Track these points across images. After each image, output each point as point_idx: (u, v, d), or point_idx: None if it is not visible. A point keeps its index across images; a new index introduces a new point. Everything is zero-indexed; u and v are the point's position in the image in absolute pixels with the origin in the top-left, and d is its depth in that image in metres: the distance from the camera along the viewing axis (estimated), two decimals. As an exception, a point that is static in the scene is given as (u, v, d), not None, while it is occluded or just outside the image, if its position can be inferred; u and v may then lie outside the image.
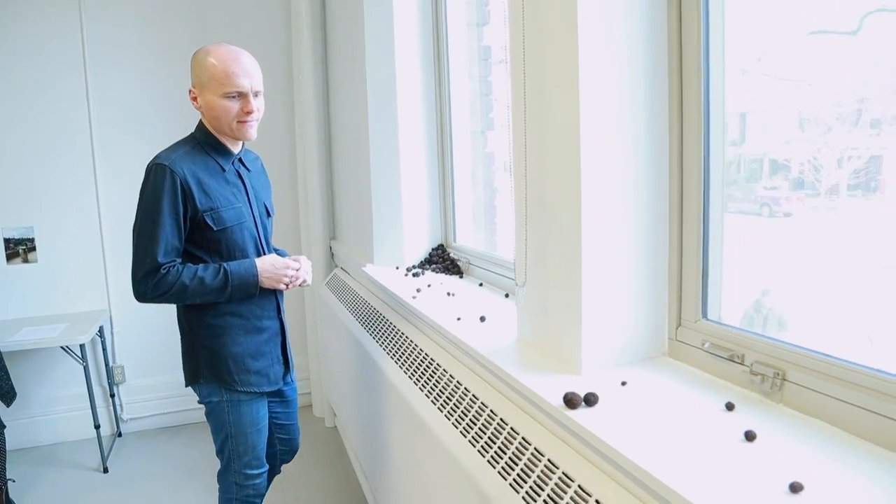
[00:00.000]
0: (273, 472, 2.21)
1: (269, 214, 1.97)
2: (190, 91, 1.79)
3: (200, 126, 1.83)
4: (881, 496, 0.82)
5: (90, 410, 3.27)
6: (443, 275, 2.46)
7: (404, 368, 1.96)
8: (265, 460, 2.00)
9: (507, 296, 2.03)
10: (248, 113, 1.75)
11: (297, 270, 1.88)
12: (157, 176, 1.70)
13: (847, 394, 0.99)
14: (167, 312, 3.61)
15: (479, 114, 2.72)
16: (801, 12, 1.36)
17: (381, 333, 2.29)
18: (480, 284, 2.25)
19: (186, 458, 3.41)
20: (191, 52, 3.42)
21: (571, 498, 1.09)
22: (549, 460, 1.19)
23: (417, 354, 1.94)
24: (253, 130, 1.81)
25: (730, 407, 1.10)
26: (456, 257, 2.54)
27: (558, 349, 1.37)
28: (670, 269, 1.35)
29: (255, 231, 1.87)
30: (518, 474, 1.25)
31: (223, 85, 1.71)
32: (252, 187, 1.90)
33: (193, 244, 1.78)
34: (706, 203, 1.29)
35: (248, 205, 1.86)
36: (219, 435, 1.93)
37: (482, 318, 1.77)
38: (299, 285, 1.92)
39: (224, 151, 1.84)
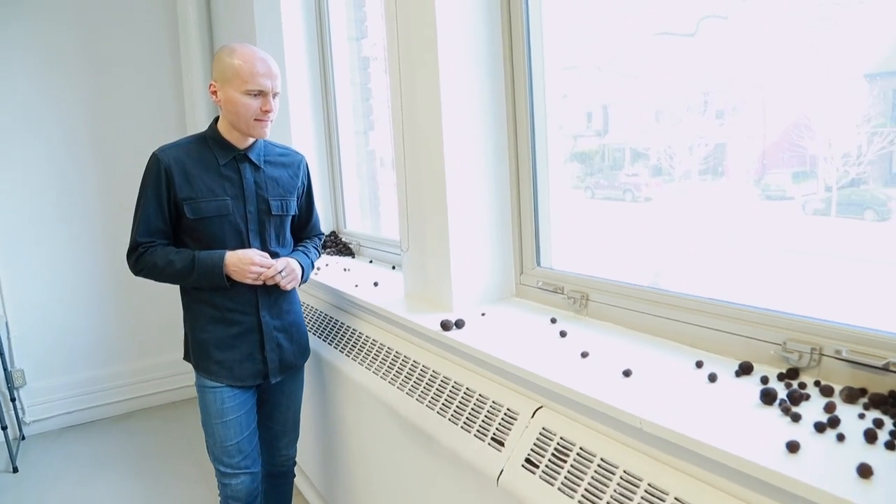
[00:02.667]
0: (273, 487, 2.18)
1: (270, 213, 1.91)
2: (211, 85, 1.81)
3: (213, 123, 1.90)
4: (640, 357, 1.34)
5: (-6, 414, 3.36)
6: (337, 256, 2.86)
7: (316, 332, 2.35)
8: (242, 464, 1.92)
9: (393, 268, 2.47)
10: (267, 112, 1.80)
11: (268, 269, 1.82)
12: (148, 163, 1.82)
13: (627, 303, 1.52)
14: (64, 315, 3.79)
15: (362, 116, 3.13)
16: (645, 15, 1.54)
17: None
18: (370, 261, 2.68)
19: (95, 452, 3.56)
20: (77, 58, 3.65)
21: (450, 392, 1.56)
22: (433, 371, 1.65)
23: (326, 318, 2.34)
24: (267, 129, 1.85)
25: (553, 321, 1.61)
26: (347, 241, 2.95)
27: (435, 296, 1.84)
28: (513, 234, 1.85)
29: (240, 225, 1.86)
30: (412, 386, 1.70)
31: (246, 83, 1.75)
32: (253, 183, 1.89)
33: (181, 230, 1.85)
34: (535, 185, 1.80)
35: (239, 199, 1.86)
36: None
37: (375, 284, 2.20)
38: (274, 284, 1.86)
39: (226, 147, 1.86)
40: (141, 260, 1.82)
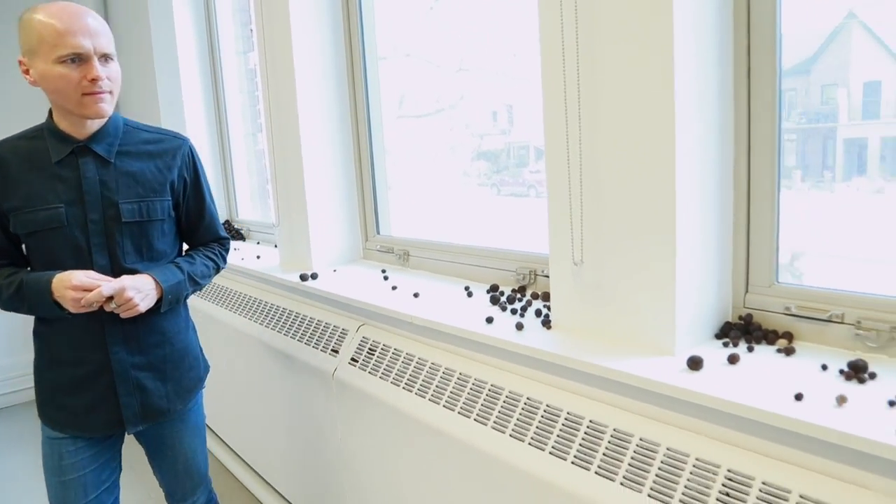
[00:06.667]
0: None
1: (120, 220, 1.50)
2: (20, 63, 1.42)
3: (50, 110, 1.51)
4: (431, 287, 1.93)
5: None
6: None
7: (215, 301, 2.84)
8: None
9: (275, 246, 2.99)
10: (94, 80, 1.38)
11: (91, 293, 1.39)
12: None
13: (434, 254, 2.12)
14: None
15: (250, 120, 3.62)
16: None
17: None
18: (258, 243, 3.19)
19: (4, 434, 3.86)
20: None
21: (306, 324, 2.12)
22: (295, 312, 2.21)
23: (221, 290, 2.84)
24: (105, 105, 1.43)
25: (384, 271, 2.19)
26: (239, 227, 3.44)
27: (300, 260, 2.39)
28: (359, 210, 2.42)
29: (79, 239, 1.48)
30: (280, 325, 2.24)
31: (56, 46, 1.35)
32: (98, 183, 1.48)
33: (26, 247, 1.53)
34: (373, 173, 2.38)
35: (76, 205, 1.47)
36: None
37: (258, 257, 2.73)
38: (109, 308, 1.44)
39: (62, 139, 1.47)
40: None
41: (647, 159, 1.22)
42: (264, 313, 2.39)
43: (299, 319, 2.18)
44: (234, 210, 3.57)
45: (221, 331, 2.66)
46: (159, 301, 1.54)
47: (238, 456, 2.85)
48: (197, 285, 1.66)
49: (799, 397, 1.05)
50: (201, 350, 1.79)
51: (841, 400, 1.03)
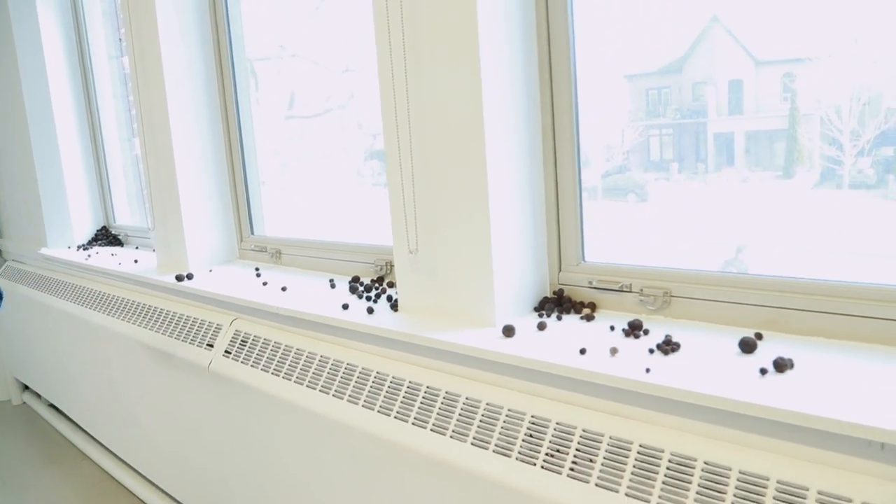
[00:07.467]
0: None
1: None
2: None
3: None
4: (299, 282, 2.08)
5: None
6: (108, 247, 3.34)
7: (92, 307, 2.85)
8: None
9: (153, 250, 3.03)
10: None
11: None
12: None
13: (303, 251, 2.27)
14: None
15: (126, 125, 3.61)
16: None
17: (69, 294, 3.10)
18: (136, 248, 3.21)
19: None
20: None
21: (183, 323, 2.21)
22: (172, 312, 2.29)
23: (99, 295, 2.85)
24: None
25: (257, 269, 2.32)
26: (117, 233, 3.43)
27: (176, 262, 2.47)
28: (233, 212, 2.53)
29: None
30: (158, 325, 2.32)
31: None
32: None
33: None
34: (246, 177, 2.49)
35: None
36: None
37: (136, 261, 2.77)
38: None
39: None
40: None
41: (463, 159, 1.43)
42: (141, 314, 2.46)
43: (175, 318, 2.27)
44: (111, 216, 3.55)
45: (98, 334, 2.69)
46: None
47: (120, 459, 2.88)
48: None
49: (583, 352, 1.29)
50: None
51: (613, 351, 1.28)
